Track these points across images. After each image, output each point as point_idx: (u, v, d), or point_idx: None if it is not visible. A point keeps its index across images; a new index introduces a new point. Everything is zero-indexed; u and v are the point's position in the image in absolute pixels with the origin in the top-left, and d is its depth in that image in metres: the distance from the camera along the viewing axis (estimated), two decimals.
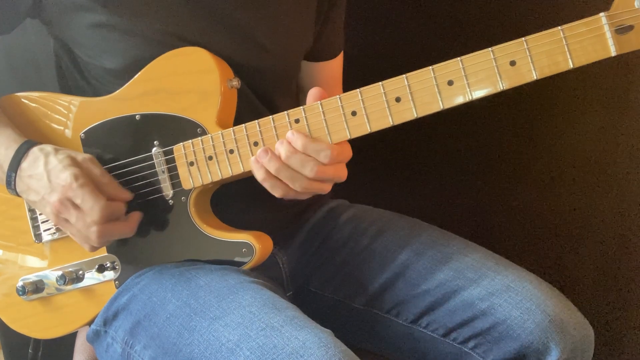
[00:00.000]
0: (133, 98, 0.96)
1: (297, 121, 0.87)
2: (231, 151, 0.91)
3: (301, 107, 0.86)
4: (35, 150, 0.93)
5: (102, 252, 0.99)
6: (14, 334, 1.05)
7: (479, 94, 0.80)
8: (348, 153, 0.87)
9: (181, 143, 0.94)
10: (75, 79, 1.04)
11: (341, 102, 0.85)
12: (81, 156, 0.93)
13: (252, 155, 0.89)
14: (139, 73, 0.95)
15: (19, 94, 1.04)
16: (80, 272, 1.00)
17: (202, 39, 0.95)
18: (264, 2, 0.99)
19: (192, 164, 0.93)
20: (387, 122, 0.83)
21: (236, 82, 0.95)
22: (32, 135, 0.97)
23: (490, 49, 0.78)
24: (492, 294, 0.94)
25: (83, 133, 0.99)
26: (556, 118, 1.38)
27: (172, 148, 0.94)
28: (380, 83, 0.83)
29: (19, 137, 0.95)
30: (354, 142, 0.89)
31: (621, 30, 0.74)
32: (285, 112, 0.87)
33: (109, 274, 0.99)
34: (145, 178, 0.96)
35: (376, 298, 1.03)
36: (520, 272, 0.97)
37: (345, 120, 0.85)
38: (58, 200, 0.89)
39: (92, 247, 0.94)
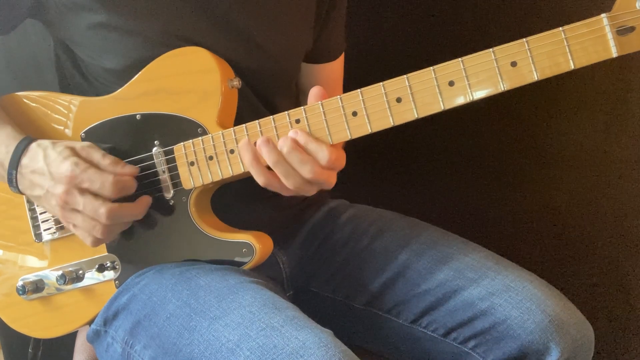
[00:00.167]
0: (133, 98, 0.96)
1: (297, 121, 0.86)
2: (232, 151, 0.91)
3: (302, 107, 0.86)
4: (33, 146, 0.93)
5: (102, 252, 0.99)
6: (14, 333, 1.05)
7: (480, 94, 0.80)
8: (343, 160, 0.86)
9: (181, 143, 0.93)
10: (76, 79, 1.04)
11: (342, 103, 0.84)
12: (79, 145, 0.93)
13: None
14: (140, 73, 0.95)
15: (19, 93, 1.04)
16: (80, 272, 1.00)
17: (202, 39, 0.95)
18: (263, 4, 0.99)
19: (192, 163, 0.93)
20: (388, 122, 0.83)
21: (237, 82, 0.95)
22: (32, 134, 0.97)
23: (491, 49, 0.78)
24: (492, 294, 0.94)
25: (83, 133, 0.99)
26: (556, 118, 1.38)
27: (173, 148, 0.94)
28: (381, 83, 0.83)
29: (18, 135, 0.95)
30: (354, 142, 0.89)
31: (622, 31, 0.74)
32: (286, 112, 0.87)
33: (109, 274, 0.99)
34: (146, 178, 0.96)
35: (376, 298, 1.03)
36: (521, 272, 0.97)
37: (346, 120, 0.85)
38: (64, 191, 0.89)
39: (97, 239, 0.92)
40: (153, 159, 0.95)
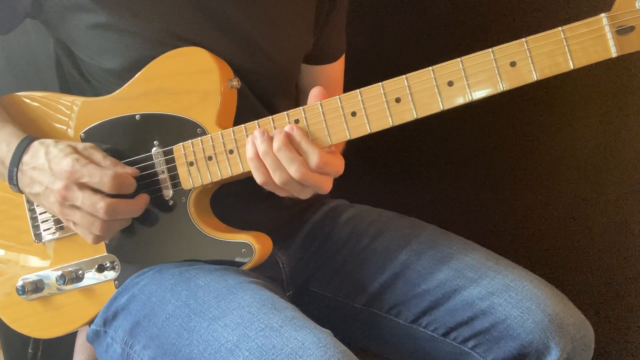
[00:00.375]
0: (133, 98, 0.96)
1: (297, 121, 0.86)
2: (231, 151, 0.91)
3: (301, 107, 0.86)
4: (35, 144, 0.93)
5: (102, 252, 0.99)
6: (14, 333, 1.05)
7: (479, 94, 0.80)
8: (338, 167, 0.84)
9: (181, 143, 0.93)
10: (75, 79, 1.04)
11: (341, 103, 0.84)
12: (81, 144, 0.93)
13: None
14: (139, 73, 0.95)
15: (19, 93, 1.04)
16: (80, 272, 1.01)
17: (202, 39, 0.95)
18: (263, 5, 0.99)
19: (191, 164, 0.93)
20: (387, 122, 0.83)
21: (236, 82, 0.95)
22: (32, 134, 0.97)
23: (490, 49, 0.78)
24: (492, 294, 0.94)
25: (83, 133, 0.99)
26: (556, 118, 1.38)
27: (172, 148, 0.94)
28: (380, 84, 0.83)
29: (20, 133, 0.96)
30: (354, 142, 0.89)
31: (622, 31, 0.73)
32: (285, 112, 0.87)
33: (109, 274, 0.99)
34: (145, 178, 0.96)
35: (376, 298, 1.03)
36: (520, 271, 0.97)
37: (345, 120, 0.84)
38: (63, 187, 0.89)
39: (96, 236, 0.93)
40: (152, 159, 0.95)
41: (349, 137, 0.85)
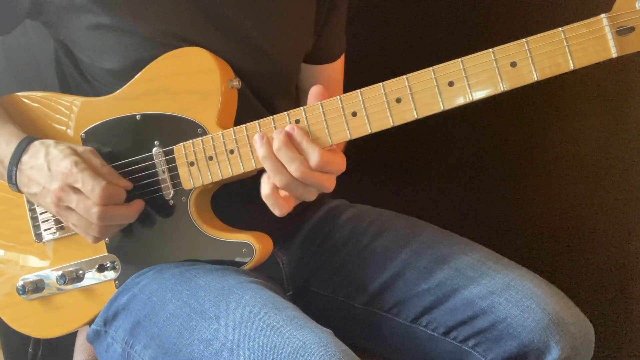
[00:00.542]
0: (133, 98, 0.96)
1: (297, 121, 0.86)
2: (231, 151, 0.91)
3: (302, 107, 0.86)
4: (36, 144, 0.94)
5: (102, 252, 0.99)
6: (14, 333, 1.05)
7: (479, 95, 0.80)
8: (339, 165, 0.84)
9: (181, 143, 0.93)
10: (76, 79, 1.04)
11: (342, 103, 0.84)
12: (82, 148, 0.94)
13: (253, 155, 0.89)
14: (140, 73, 0.95)
15: (19, 93, 1.04)
16: (81, 272, 1.01)
17: (202, 39, 0.95)
18: (263, 4, 0.99)
19: (192, 164, 0.93)
20: (388, 122, 0.83)
21: (237, 82, 0.95)
22: (32, 134, 0.97)
23: (491, 50, 0.78)
24: (492, 293, 0.94)
25: (84, 133, 0.99)
26: (556, 119, 1.38)
27: (173, 148, 0.94)
28: (380, 84, 0.83)
29: (20, 133, 0.96)
30: (355, 142, 0.89)
31: (622, 32, 0.73)
32: (286, 112, 0.87)
33: (109, 274, 0.99)
34: (146, 178, 0.96)
35: (376, 297, 1.03)
36: (521, 270, 0.98)
37: (346, 120, 0.84)
38: (59, 188, 0.90)
39: (95, 237, 0.93)
40: (153, 159, 0.95)
41: (349, 137, 0.85)
